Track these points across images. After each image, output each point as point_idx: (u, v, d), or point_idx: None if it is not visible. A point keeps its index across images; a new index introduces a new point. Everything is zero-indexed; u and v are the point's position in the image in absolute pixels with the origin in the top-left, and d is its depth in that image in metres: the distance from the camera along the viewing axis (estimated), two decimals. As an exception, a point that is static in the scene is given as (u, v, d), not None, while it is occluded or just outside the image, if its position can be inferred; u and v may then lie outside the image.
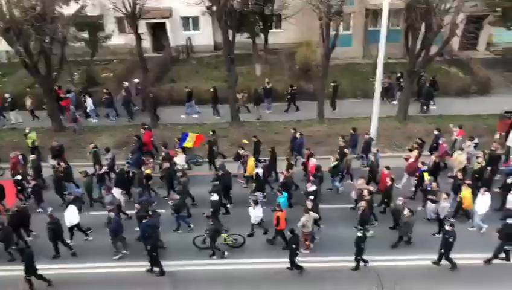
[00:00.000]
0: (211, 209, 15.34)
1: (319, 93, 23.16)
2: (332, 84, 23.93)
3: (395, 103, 24.49)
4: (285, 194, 15.75)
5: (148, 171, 17.40)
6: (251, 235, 15.58)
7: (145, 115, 23.85)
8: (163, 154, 18.55)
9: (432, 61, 22.69)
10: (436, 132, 18.99)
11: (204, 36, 32.78)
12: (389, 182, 15.91)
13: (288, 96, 24.16)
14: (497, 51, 29.90)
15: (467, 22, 25.96)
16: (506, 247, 13.88)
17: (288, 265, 14.05)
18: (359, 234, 13.59)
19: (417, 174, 16.74)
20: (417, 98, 24.26)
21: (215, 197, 15.58)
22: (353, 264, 14.10)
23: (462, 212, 15.81)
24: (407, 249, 14.81)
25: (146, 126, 20.67)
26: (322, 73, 22.49)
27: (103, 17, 28.87)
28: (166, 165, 17.50)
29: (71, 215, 15.09)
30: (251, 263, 14.63)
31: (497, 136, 18.47)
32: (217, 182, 16.46)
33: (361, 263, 14.10)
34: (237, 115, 23.39)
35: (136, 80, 25.41)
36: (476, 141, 18.53)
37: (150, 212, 14.79)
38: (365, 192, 15.43)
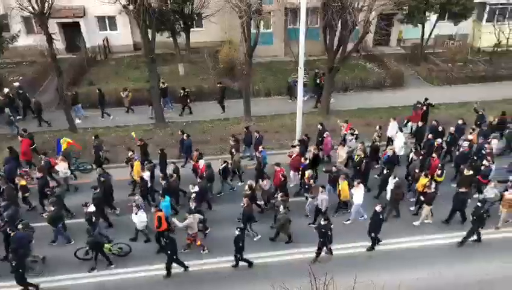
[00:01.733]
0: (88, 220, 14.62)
1: (245, 91, 23.23)
2: (218, 85, 23.94)
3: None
4: (167, 198, 15.35)
5: (23, 183, 16.20)
6: (134, 239, 15.13)
7: (27, 122, 22.48)
8: (42, 163, 17.29)
9: (349, 57, 23.72)
10: (320, 127, 19.55)
11: (123, 36, 31.48)
12: (281, 178, 16.19)
13: (182, 99, 23.69)
14: (406, 47, 32.02)
15: (378, 19, 27.49)
16: (372, 235, 14.67)
17: (182, 269, 13.98)
18: (237, 232, 13.51)
19: (300, 168, 17.12)
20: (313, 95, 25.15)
21: (91, 208, 14.67)
22: (245, 263, 14.23)
23: (342, 205, 16.49)
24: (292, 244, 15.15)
25: (25, 133, 19.30)
26: (246, 71, 22.58)
27: (7, 16, 26.60)
28: (39, 175, 16.34)
29: None
30: (139, 271, 14.24)
31: (377, 127, 19.60)
32: (97, 190, 15.48)
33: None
34: (162, 115, 22.76)
35: (17, 84, 23.79)
36: (356, 133, 19.20)
37: (21, 226, 13.73)
38: (246, 187, 15.61)
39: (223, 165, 17.14)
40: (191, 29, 29.05)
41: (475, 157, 17.99)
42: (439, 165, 17.00)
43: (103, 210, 15.73)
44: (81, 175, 18.89)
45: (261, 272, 14.05)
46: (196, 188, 15.70)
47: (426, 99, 22.02)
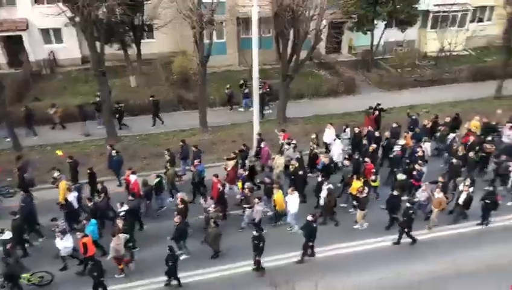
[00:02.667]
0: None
1: (200, 102, 22.91)
2: (150, 98, 23.09)
3: (241, 109, 25.11)
4: (93, 221, 14.48)
5: None
6: (64, 268, 14.22)
7: None
8: None
9: (302, 65, 23.99)
10: (257, 136, 19.35)
11: (70, 49, 30.22)
12: (220, 188, 15.83)
13: (117, 115, 22.73)
14: (357, 54, 32.84)
15: (329, 28, 28.01)
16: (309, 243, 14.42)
17: None
18: (168, 251, 13.07)
19: (240, 180, 16.70)
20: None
21: (7, 235, 13.63)
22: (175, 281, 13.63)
23: (278, 214, 16.06)
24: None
25: None
26: (201, 81, 22.28)
27: None
28: None
29: None
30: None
31: (313, 135, 19.32)
32: (16, 217, 14.33)
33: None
34: (113, 130, 21.99)
35: None
36: (294, 142, 18.94)
37: None
38: (178, 201, 15.16)
39: (156, 180, 16.47)
40: (142, 41, 28.40)
41: (408, 161, 18.15)
42: (374, 169, 17.15)
43: (22, 238, 14.58)
44: (4, 200, 17.52)
45: (224, 284, 13.76)
46: (125, 207, 14.91)
47: (378, 104, 22.55)
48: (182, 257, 14.34)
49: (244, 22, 29.90)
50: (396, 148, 18.49)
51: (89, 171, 17.05)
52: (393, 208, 15.75)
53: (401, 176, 16.73)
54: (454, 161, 17.74)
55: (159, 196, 16.76)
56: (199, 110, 23.04)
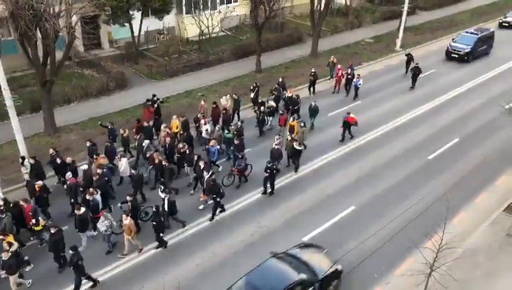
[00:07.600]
0: None
1: None
2: None
3: None
4: None
5: None
6: None
7: None
8: None
9: (61, 67, 21.38)
10: None
11: None
12: None
13: None
14: (121, 47, 31.33)
15: (82, 23, 25.52)
16: None
17: None
18: None
19: None
20: None
21: None
22: None
23: None
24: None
25: None
26: None
27: None
28: None
29: None
30: None
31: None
32: None
33: None
34: None
35: None
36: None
37: None
38: None
39: None
40: None
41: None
42: (32, 211, 14.00)
43: None
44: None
45: None
46: None
47: (154, 95, 21.98)
48: None
49: (-28, 26, 24.73)
50: (68, 175, 15.50)
51: None
52: (54, 248, 13.05)
53: (78, 211, 13.83)
54: (133, 172, 16.01)
55: None
56: None
